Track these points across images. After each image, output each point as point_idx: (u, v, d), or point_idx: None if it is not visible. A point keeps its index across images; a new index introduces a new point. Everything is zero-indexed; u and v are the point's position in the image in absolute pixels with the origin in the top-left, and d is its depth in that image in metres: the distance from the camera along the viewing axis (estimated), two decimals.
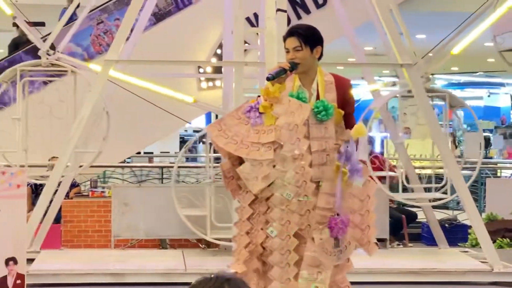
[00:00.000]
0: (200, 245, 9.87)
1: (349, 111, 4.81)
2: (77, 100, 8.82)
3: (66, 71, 8.84)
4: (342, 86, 4.78)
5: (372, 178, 4.72)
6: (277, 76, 4.58)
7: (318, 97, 4.69)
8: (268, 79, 4.58)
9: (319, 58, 4.82)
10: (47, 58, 8.97)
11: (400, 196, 9.17)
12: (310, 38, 4.73)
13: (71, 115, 8.78)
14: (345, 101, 4.77)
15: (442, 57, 9.31)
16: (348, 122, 4.80)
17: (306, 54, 4.70)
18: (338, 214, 4.56)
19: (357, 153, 4.60)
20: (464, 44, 9.21)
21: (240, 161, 4.61)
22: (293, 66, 4.67)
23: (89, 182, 11.52)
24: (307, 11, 11.33)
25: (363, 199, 4.63)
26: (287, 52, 4.74)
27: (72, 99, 8.80)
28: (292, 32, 4.75)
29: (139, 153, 14.93)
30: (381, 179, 9.23)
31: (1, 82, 8.82)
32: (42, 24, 12.19)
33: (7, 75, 8.92)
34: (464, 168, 10.39)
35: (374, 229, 4.70)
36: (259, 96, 4.71)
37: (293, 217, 4.55)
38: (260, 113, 4.57)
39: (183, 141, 20.58)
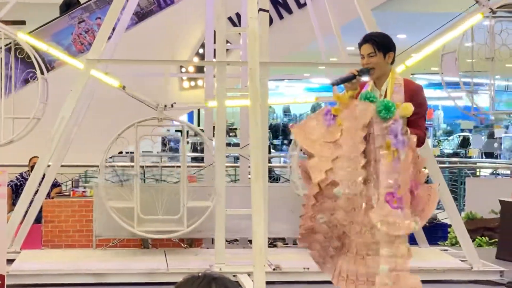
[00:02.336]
0: (182, 245, 9.87)
1: (415, 111, 5.07)
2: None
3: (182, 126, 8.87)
4: (411, 89, 5.17)
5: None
6: (341, 82, 5.00)
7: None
8: (332, 84, 5.06)
9: (392, 63, 5.24)
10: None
11: None
12: (383, 44, 5.16)
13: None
14: (413, 104, 5.05)
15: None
16: (415, 123, 5.11)
17: (379, 59, 5.12)
18: (398, 186, 4.86)
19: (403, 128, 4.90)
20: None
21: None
22: (366, 72, 5.10)
23: (70, 182, 11.48)
24: (289, 11, 11.37)
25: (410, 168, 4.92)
26: (362, 58, 5.15)
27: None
28: (367, 39, 5.18)
29: (121, 152, 14.85)
30: None
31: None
32: (22, 23, 12.13)
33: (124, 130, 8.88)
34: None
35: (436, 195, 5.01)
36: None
37: (339, 213, 4.94)
38: (333, 115, 4.97)
39: (165, 141, 20.51)
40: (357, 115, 4.92)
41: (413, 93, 5.16)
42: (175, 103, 9.34)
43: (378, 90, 5.17)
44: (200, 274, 2.09)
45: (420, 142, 5.16)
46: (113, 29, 9.07)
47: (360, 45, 5.21)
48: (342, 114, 4.95)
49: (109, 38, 9.01)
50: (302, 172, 5.18)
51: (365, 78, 5.23)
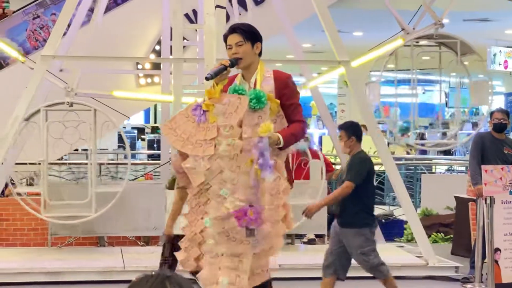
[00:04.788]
0: (139, 243, 9.82)
1: (289, 102, 4.95)
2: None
3: (89, 110, 8.77)
4: (280, 78, 4.99)
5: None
6: (215, 75, 4.76)
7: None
8: (207, 78, 4.80)
9: (259, 55, 5.05)
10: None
11: None
12: (251, 34, 5.00)
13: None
14: (283, 93, 4.92)
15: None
16: (292, 114, 4.96)
17: (247, 48, 4.95)
18: (251, 206, 4.66)
19: (269, 149, 4.69)
20: None
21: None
22: (234, 62, 4.89)
23: (25, 180, 11.31)
24: (246, 8, 11.34)
25: (273, 194, 4.71)
26: (230, 48, 4.97)
27: (93, 136, 8.79)
28: (234, 29, 5.02)
29: (76, 150, 14.66)
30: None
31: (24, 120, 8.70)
32: None
33: (31, 114, 8.75)
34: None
35: (283, 224, 4.79)
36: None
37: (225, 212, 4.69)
38: (204, 111, 4.74)
39: (121, 138, 20.37)
40: (231, 110, 4.73)
41: (283, 83, 4.99)
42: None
43: (247, 83, 5.00)
44: (153, 273, 2.08)
45: (303, 131, 5.03)
46: (68, 25, 8.97)
47: (227, 35, 5.05)
48: (215, 110, 4.76)
49: (64, 34, 8.91)
50: (178, 174, 4.93)
51: (233, 71, 5.04)
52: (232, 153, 4.69)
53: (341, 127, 6.80)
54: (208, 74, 4.80)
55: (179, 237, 6.27)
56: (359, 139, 6.65)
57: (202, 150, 4.70)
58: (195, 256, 4.82)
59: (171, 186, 6.69)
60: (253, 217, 4.65)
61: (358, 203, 6.51)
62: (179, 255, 4.89)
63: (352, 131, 6.66)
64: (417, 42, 9.97)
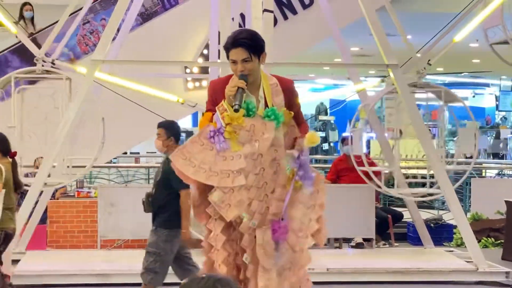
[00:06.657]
0: None
1: (296, 109, 4.65)
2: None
3: (61, 78, 8.86)
4: (287, 87, 4.59)
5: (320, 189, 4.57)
6: (242, 102, 4.36)
7: (266, 103, 4.49)
8: (236, 110, 4.34)
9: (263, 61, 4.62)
10: (42, 65, 9.00)
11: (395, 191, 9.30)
12: (257, 47, 4.48)
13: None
14: (293, 102, 4.60)
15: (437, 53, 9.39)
16: (298, 117, 4.67)
17: (255, 64, 4.45)
18: (282, 219, 4.45)
19: (308, 161, 4.52)
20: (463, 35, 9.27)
21: (207, 187, 4.42)
22: (246, 79, 4.41)
23: (75, 183, 11.48)
24: (294, 12, 11.34)
25: (309, 207, 4.52)
26: (234, 63, 4.44)
27: (67, 105, 8.76)
28: (239, 43, 4.44)
29: (125, 153, 14.83)
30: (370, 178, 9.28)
31: None
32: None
33: (2, 82, 8.93)
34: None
35: (311, 239, 4.56)
36: (212, 113, 4.46)
37: (259, 248, 4.40)
38: (224, 137, 4.36)
39: None
40: (256, 137, 4.37)
41: (291, 91, 4.59)
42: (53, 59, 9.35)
43: (253, 96, 4.47)
44: (204, 275, 2.09)
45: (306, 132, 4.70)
46: (118, 30, 9.08)
47: (229, 48, 4.45)
48: (239, 137, 4.35)
49: (114, 39, 9.02)
50: (194, 208, 4.54)
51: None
52: (260, 182, 4.39)
53: (160, 125, 6.64)
54: (236, 105, 4.32)
55: None
56: (177, 140, 6.56)
57: (230, 180, 4.31)
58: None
59: None
60: (283, 230, 4.41)
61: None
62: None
63: (173, 131, 6.57)
64: None
